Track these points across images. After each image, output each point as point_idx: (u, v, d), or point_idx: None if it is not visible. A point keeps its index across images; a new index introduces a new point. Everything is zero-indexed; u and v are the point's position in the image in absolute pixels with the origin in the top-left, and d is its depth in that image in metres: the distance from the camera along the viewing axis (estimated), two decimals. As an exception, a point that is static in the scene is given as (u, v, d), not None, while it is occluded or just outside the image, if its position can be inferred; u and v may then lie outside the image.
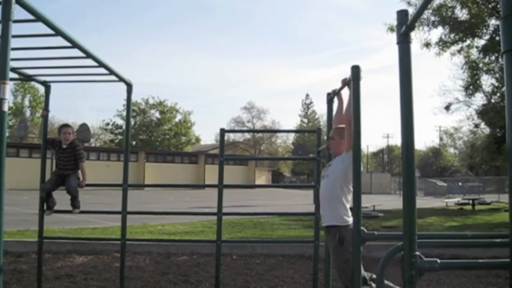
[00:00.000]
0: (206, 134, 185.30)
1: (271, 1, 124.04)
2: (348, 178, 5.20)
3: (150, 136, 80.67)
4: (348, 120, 5.18)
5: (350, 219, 5.20)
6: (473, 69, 25.54)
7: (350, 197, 5.32)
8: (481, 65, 25.51)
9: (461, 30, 23.97)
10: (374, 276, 5.22)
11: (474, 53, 25.46)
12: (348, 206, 5.29)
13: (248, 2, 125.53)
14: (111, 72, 6.56)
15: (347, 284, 4.99)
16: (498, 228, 16.18)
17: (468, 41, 25.07)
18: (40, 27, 4.66)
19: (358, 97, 4.13)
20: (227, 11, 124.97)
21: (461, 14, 24.15)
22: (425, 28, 24.68)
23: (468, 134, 54.39)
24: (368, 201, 24.95)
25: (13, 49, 3.85)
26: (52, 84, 7.39)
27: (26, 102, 77.82)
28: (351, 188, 5.33)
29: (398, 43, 2.98)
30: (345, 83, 5.16)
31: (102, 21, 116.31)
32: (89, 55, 5.69)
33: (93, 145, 71.73)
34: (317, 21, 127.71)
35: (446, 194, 49.00)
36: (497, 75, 24.42)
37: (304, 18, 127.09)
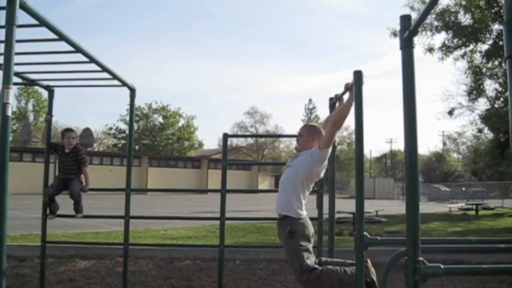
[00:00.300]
0: (209, 139, 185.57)
1: (273, 6, 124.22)
2: (311, 174, 5.18)
3: (153, 141, 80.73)
4: (333, 119, 5.18)
5: (303, 213, 5.16)
6: (476, 74, 25.52)
7: (307, 194, 5.27)
8: (484, 70, 25.50)
9: (465, 35, 23.98)
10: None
11: (477, 58, 25.47)
12: (304, 201, 5.20)
13: (249, 7, 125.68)
14: (115, 76, 6.57)
15: (298, 275, 4.93)
16: (502, 234, 16.15)
17: (471, 46, 25.08)
18: (44, 32, 4.68)
19: (360, 102, 4.13)
20: (228, 16, 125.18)
21: (465, 19, 24.18)
22: (429, 33, 24.72)
23: (471, 139, 54.39)
24: (371, 206, 24.93)
25: (17, 54, 3.85)
26: (55, 89, 7.41)
27: (30, 107, 77.93)
28: (311, 186, 5.33)
29: (401, 48, 2.98)
30: (347, 87, 5.16)
31: (104, 26, 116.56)
32: (92, 60, 5.70)
33: (96, 150, 71.83)
34: (320, 27, 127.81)
35: (450, 199, 48.96)
36: (501, 80, 24.40)
37: (307, 24, 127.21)
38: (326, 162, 5.21)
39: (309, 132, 5.47)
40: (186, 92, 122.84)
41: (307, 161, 5.20)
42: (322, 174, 5.38)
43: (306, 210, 5.24)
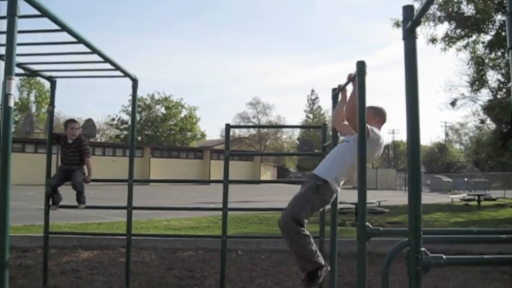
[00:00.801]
0: (211, 130, 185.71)
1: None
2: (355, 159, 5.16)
3: (155, 131, 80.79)
4: (346, 117, 5.19)
5: (338, 189, 5.15)
6: (479, 65, 25.48)
7: (343, 176, 5.24)
8: (487, 60, 25.45)
9: (467, 26, 23.92)
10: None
11: (480, 49, 25.43)
12: (341, 182, 5.20)
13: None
14: (117, 67, 6.57)
15: (287, 216, 4.92)
16: (504, 224, 16.16)
17: (474, 37, 25.03)
18: (46, 23, 4.67)
19: (363, 92, 4.13)
20: (231, 7, 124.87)
21: (467, 9, 24.11)
22: (431, 23, 24.66)
23: (474, 130, 54.45)
24: (373, 197, 24.91)
25: (19, 44, 3.85)
26: (58, 80, 7.40)
27: (32, 98, 77.98)
28: (353, 170, 5.21)
29: (404, 38, 2.97)
30: (350, 78, 5.14)
31: (106, 18, 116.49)
32: (94, 50, 5.69)
33: (98, 140, 71.87)
34: (322, 18, 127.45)
35: (452, 189, 48.97)
36: (503, 70, 24.36)
37: (309, 14, 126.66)
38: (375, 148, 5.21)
39: (373, 113, 5.37)
40: (189, 83, 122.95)
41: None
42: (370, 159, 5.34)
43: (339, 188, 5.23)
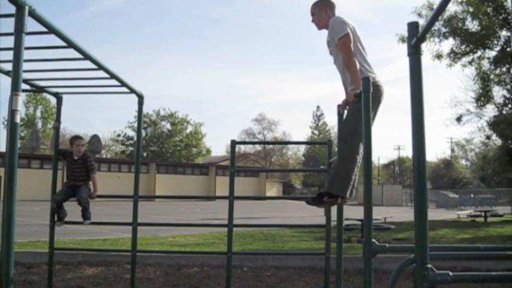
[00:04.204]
0: (217, 146, 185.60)
1: (281, 13, 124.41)
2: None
3: (161, 148, 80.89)
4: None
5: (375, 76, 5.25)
6: (484, 81, 25.49)
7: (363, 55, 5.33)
8: (492, 76, 25.47)
9: (472, 42, 23.96)
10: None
11: (485, 65, 25.45)
12: (366, 65, 5.30)
13: (258, 15, 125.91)
14: (123, 83, 6.60)
15: (347, 129, 5.07)
16: (511, 241, 16.06)
17: (479, 53, 25.07)
18: (52, 39, 4.70)
19: (368, 109, 4.12)
20: (236, 23, 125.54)
21: (472, 25, 24.18)
22: (436, 39, 24.73)
23: (480, 146, 54.30)
24: (379, 213, 24.86)
25: (26, 61, 3.88)
26: (64, 96, 7.44)
27: (38, 114, 78.25)
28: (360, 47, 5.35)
29: (409, 55, 2.98)
30: (355, 95, 5.15)
31: (112, 33, 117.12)
32: (100, 67, 5.72)
33: (104, 156, 72.03)
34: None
35: (458, 206, 48.80)
36: (509, 86, 24.39)
37: (316, 31, 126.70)
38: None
39: (318, 7, 5.50)
40: (194, 99, 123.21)
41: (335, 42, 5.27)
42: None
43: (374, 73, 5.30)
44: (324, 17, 5.43)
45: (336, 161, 5.24)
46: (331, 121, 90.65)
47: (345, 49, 5.13)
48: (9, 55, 3.99)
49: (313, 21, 5.62)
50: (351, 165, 4.97)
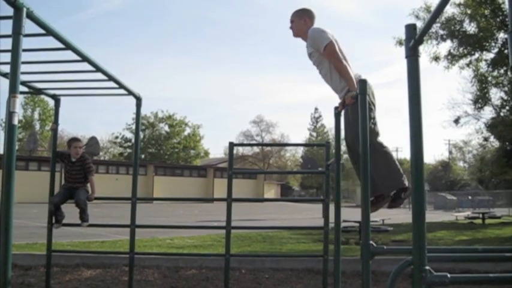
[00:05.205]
0: (215, 148, 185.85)
1: (280, 15, 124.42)
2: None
3: (159, 149, 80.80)
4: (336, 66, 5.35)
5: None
6: (482, 83, 25.53)
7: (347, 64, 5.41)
8: (489, 78, 25.51)
9: (470, 44, 23.99)
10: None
11: (483, 67, 25.48)
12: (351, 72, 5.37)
13: (256, 16, 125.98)
14: (121, 85, 6.60)
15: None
16: (509, 242, 16.06)
17: (477, 55, 25.10)
18: (50, 41, 4.70)
19: (365, 111, 4.12)
20: (235, 25, 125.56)
21: (470, 27, 24.20)
22: (434, 42, 24.74)
23: (477, 148, 54.38)
24: (377, 215, 24.80)
25: (23, 63, 3.87)
26: (62, 98, 7.43)
27: (36, 116, 78.11)
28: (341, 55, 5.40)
29: (406, 57, 2.98)
30: (353, 97, 5.16)
31: (110, 35, 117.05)
32: (98, 69, 5.72)
33: (102, 158, 71.89)
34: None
35: (456, 207, 48.76)
36: (506, 88, 24.43)
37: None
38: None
39: (299, 15, 5.64)
40: (192, 100, 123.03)
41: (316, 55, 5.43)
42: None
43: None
44: (301, 26, 5.59)
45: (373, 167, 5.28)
46: (329, 123, 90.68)
47: (333, 55, 5.25)
48: (7, 57, 3.99)
49: (291, 28, 5.77)
50: (388, 160, 5.17)
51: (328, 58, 5.29)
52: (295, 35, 5.70)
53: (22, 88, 6.40)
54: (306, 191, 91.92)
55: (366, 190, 3.92)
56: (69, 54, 5.15)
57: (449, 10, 23.60)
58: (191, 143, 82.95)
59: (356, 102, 4.65)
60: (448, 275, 2.80)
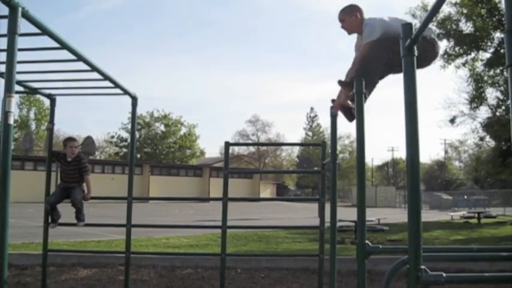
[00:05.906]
0: (211, 147, 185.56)
1: (276, 15, 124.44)
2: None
3: (154, 149, 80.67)
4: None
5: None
6: (478, 82, 25.58)
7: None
8: (485, 78, 25.56)
9: (466, 43, 24.05)
10: None
11: (479, 66, 25.55)
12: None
13: (252, 16, 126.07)
14: (116, 85, 6.59)
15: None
16: (504, 242, 16.09)
17: (473, 54, 25.16)
18: (46, 41, 4.69)
19: (361, 110, 4.13)
20: (231, 25, 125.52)
21: (466, 27, 24.27)
22: (430, 41, 24.72)
23: (473, 147, 54.44)
24: (373, 215, 24.87)
25: (19, 62, 3.86)
26: (57, 97, 7.42)
27: (32, 115, 77.91)
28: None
29: (403, 56, 2.99)
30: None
31: (105, 34, 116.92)
32: (94, 68, 5.71)
33: (98, 158, 71.74)
34: (322, 35, 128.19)
35: (452, 207, 48.84)
36: (502, 88, 24.44)
37: (309, 32, 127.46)
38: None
39: (348, 13, 5.59)
40: (188, 100, 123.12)
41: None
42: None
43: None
44: (354, 21, 5.56)
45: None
46: (325, 123, 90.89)
47: (362, 53, 5.31)
48: (2, 57, 3.99)
49: (342, 27, 5.69)
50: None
51: (362, 48, 5.32)
52: (350, 32, 5.67)
53: (18, 88, 6.38)
54: (301, 191, 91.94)
55: (362, 190, 3.93)
56: (65, 54, 5.15)
57: (446, 9, 23.69)
58: (187, 142, 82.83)
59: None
60: (444, 274, 2.81)
